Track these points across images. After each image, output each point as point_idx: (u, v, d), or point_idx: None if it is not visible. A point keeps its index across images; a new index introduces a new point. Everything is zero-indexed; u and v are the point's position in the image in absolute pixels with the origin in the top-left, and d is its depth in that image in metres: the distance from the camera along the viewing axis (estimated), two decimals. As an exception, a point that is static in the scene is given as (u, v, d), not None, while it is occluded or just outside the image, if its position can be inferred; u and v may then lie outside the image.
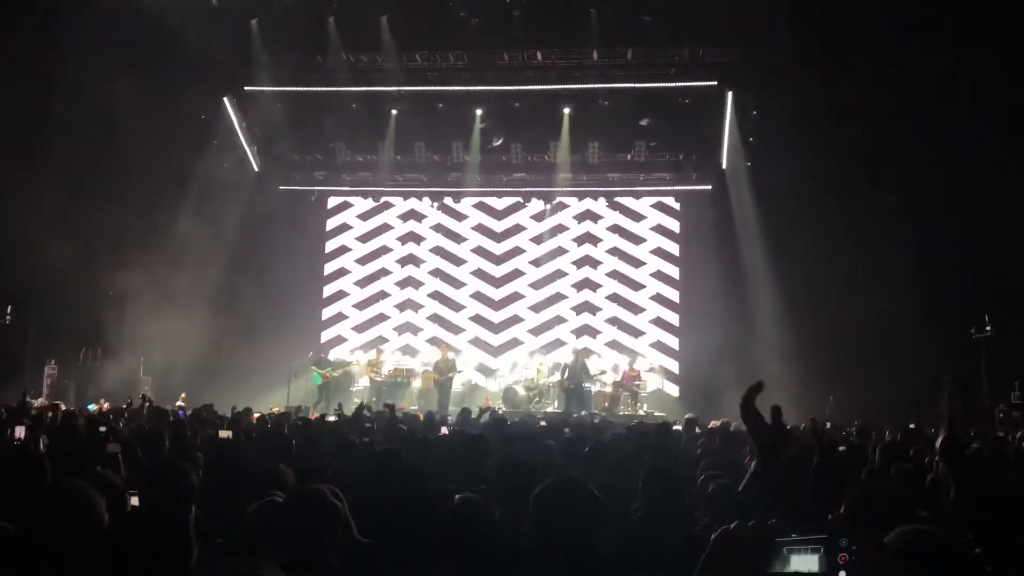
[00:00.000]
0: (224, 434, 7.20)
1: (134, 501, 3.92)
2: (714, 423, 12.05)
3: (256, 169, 21.25)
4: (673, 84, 19.10)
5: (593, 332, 21.16)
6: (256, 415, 12.50)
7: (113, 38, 15.23)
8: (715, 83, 18.87)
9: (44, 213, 15.20)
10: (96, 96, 15.47)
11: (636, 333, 21.02)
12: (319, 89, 19.83)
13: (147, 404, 12.09)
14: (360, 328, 21.95)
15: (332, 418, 11.25)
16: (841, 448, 6.68)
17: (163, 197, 17.84)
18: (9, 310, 15.70)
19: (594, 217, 21.72)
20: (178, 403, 14.48)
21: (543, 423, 11.70)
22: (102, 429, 7.38)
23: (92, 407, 13.75)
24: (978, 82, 14.67)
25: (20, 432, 7.17)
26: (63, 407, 12.64)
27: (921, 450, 5.82)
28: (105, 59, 15.32)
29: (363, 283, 22.17)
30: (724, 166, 20.14)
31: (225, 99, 19.86)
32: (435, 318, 21.70)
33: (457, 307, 21.71)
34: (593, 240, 21.65)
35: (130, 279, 17.35)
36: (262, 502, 3.92)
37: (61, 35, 15.24)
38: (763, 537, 1.50)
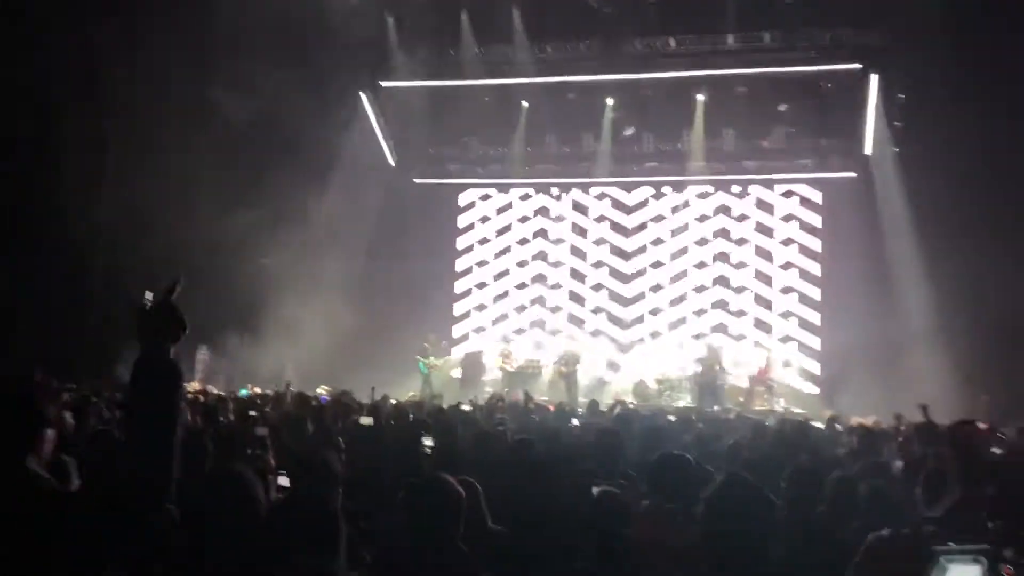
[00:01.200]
0: (365, 420, 7.42)
1: (283, 481, 4.11)
2: (857, 420, 11.59)
3: (392, 163, 21.80)
4: (813, 68, 18.40)
5: (726, 328, 20.58)
6: (393, 402, 12.86)
7: (261, 32, 15.96)
8: (859, 66, 18.06)
9: (198, 213, 16.06)
10: (248, 85, 16.23)
11: (773, 332, 20.27)
12: (452, 83, 20.16)
13: (291, 390, 12.60)
14: (490, 320, 22.18)
15: (467, 407, 11.44)
16: (997, 451, 6.28)
17: (305, 190, 18.51)
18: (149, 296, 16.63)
19: (729, 207, 21.12)
20: (319, 390, 15.03)
21: (671, 417, 11.51)
22: (252, 413, 7.73)
23: (244, 392, 14.45)
24: None
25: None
26: (215, 390, 13.37)
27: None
28: (255, 52, 16.05)
29: (493, 275, 22.38)
30: (869, 152, 19.23)
31: (362, 93, 20.44)
32: (565, 313, 21.68)
33: (587, 302, 21.60)
34: (728, 233, 21.02)
35: (276, 267, 18.13)
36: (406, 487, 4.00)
37: (216, 23, 16.07)
38: (919, 545, 1.42)
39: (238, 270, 16.94)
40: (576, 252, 21.91)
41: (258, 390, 14.77)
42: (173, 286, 2.66)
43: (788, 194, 20.75)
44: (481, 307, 22.31)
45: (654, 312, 21.14)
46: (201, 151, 15.99)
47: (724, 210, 21.12)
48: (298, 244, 18.35)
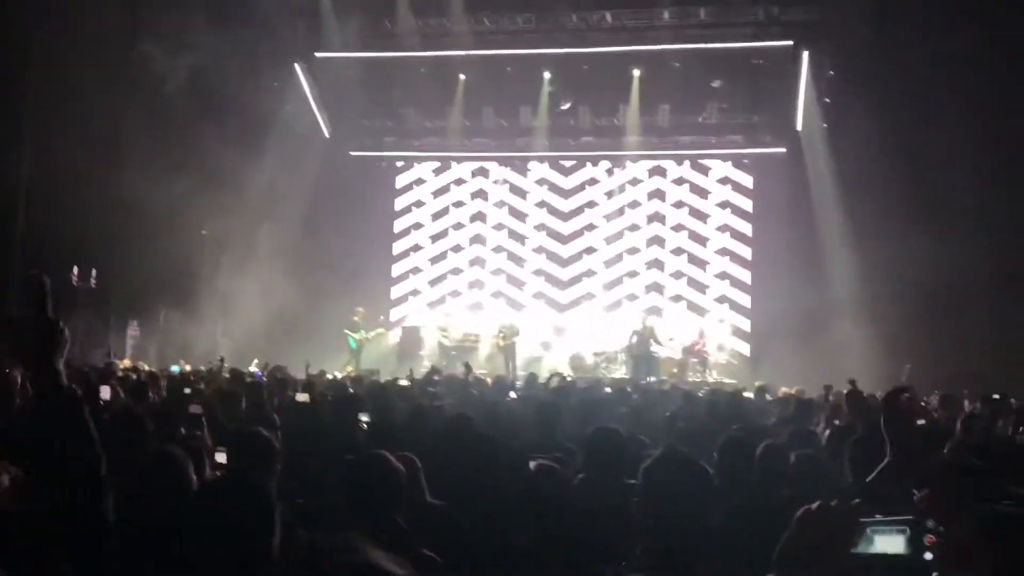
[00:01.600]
0: (301, 397, 7.36)
1: (220, 458, 4.06)
2: (784, 390, 11.90)
3: (327, 135, 21.49)
4: (747, 44, 18.65)
5: (663, 294, 20.97)
6: (329, 377, 12.78)
7: (191, 4, 15.54)
8: (790, 43, 18.37)
9: (127, 177, 15.62)
10: (178, 48, 15.79)
11: (707, 291, 20.76)
12: (388, 55, 19.91)
13: (224, 366, 12.43)
14: (428, 289, 22.16)
15: (404, 382, 11.42)
16: (921, 422, 6.50)
17: (239, 161, 18.15)
18: (94, 274, 16.26)
19: (664, 179, 21.42)
20: (253, 367, 14.84)
21: (608, 389, 11.68)
22: (186, 391, 7.60)
23: (175, 368, 14.19)
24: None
25: (105, 393, 7.39)
26: (146, 368, 13.10)
27: (1007, 422, 5.65)
28: (187, 14, 15.63)
29: (432, 247, 22.33)
30: (799, 128, 19.62)
31: (296, 65, 20.06)
32: (503, 277, 21.78)
33: (525, 266, 21.73)
34: (662, 199, 21.34)
35: (206, 245, 17.79)
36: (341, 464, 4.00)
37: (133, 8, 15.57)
38: (847, 518, 1.47)
39: (169, 240, 16.57)
40: (515, 214, 21.99)
41: (189, 367, 14.51)
42: (42, 292, 2.31)
43: (721, 169, 21.09)
44: (418, 271, 22.25)
45: (590, 273, 21.39)
46: (129, 112, 15.54)
47: (659, 182, 21.41)
48: (232, 215, 18.02)
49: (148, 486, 2.56)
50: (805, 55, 18.36)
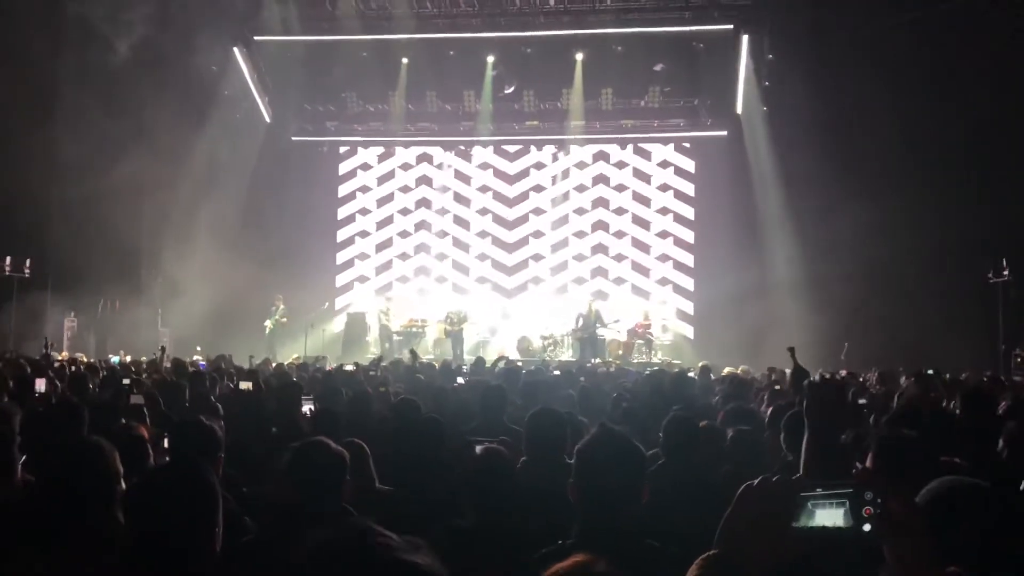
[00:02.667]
0: (244, 385, 7.27)
1: (166, 444, 4.00)
2: (729, 369, 12.10)
3: (268, 120, 21.14)
4: (687, 28, 18.79)
5: (607, 276, 21.15)
6: (274, 365, 12.64)
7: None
8: (730, 27, 18.57)
9: (60, 164, 15.20)
10: (108, 46, 15.38)
11: (651, 278, 21.00)
12: (329, 38, 19.63)
13: (166, 355, 12.21)
14: (374, 272, 22.00)
15: (350, 367, 11.35)
16: (862, 401, 6.66)
17: (175, 150, 17.77)
18: (28, 264, 15.81)
19: (608, 164, 21.57)
20: (195, 356, 14.60)
21: (556, 372, 11.74)
22: (126, 381, 7.44)
23: (115, 359, 13.89)
24: (1003, 16, 14.39)
25: (40, 385, 7.22)
26: (84, 359, 12.80)
27: (938, 396, 5.81)
28: (116, 9, 15.22)
29: (376, 232, 22.16)
30: (739, 111, 19.88)
31: (235, 49, 19.66)
32: (449, 262, 21.73)
33: (471, 251, 21.71)
34: (607, 186, 21.52)
35: (144, 231, 17.42)
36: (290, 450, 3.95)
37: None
38: (787, 492, 1.50)
39: (108, 229, 16.16)
40: (460, 199, 21.93)
41: (129, 357, 14.22)
42: None
43: (663, 152, 21.30)
44: (363, 256, 22.10)
45: (536, 257, 21.47)
46: (57, 119, 15.08)
47: (603, 163, 21.56)
48: (172, 203, 17.69)
49: (73, 477, 2.51)
50: (745, 39, 18.58)
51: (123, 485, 2.57)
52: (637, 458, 2.65)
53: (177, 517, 2.15)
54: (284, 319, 18.81)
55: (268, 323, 18.76)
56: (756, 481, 1.51)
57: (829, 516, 1.48)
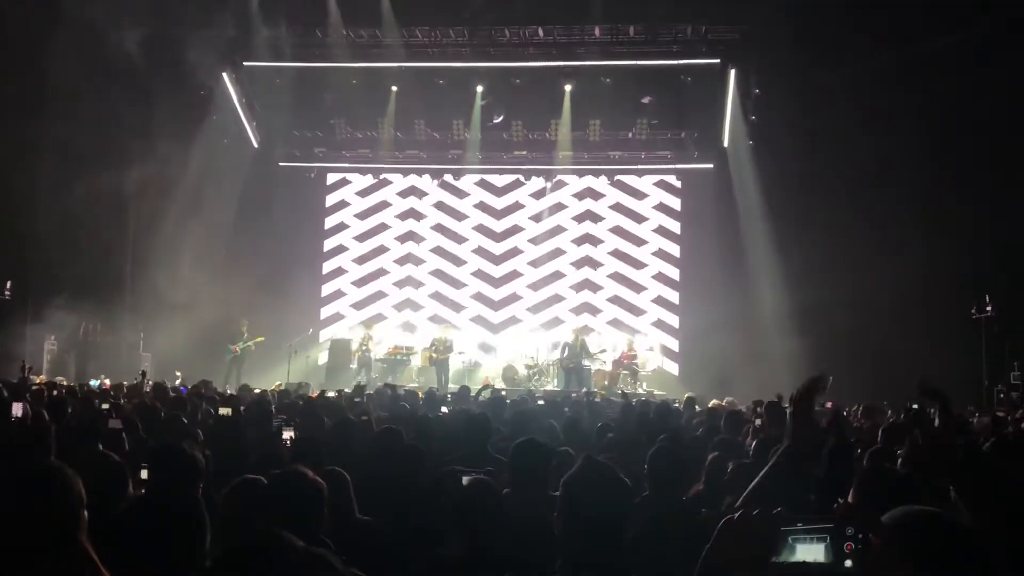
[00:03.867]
0: (224, 411, 7.18)
1: (144, 474, 3.92)
2: (715, 402, 12.07)
3: (255, 145, 21.14)
4: (675, 62, 18.97)
5: (593, 310, 21.14)
6: (256, 391, 12.53)
7: (113, 11, 15.13)
8: (717, 61, 18.78)
9: (42, 187, 15.13)
10: (94, 69, 15.36)
11: (636, 311, 21.00)
12: (319, 65, 19.71)
13: (147, 380, 12.09)
14: (359, 305, 21.92)
15: (332, 395, 11.27)
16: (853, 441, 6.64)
17: (161, 174, 17.72)
18: (9, 286, 15.67)
19: (595, 195, 21.64)
20: (178, 381, 14.46)
21: (541, 401, 11.71)
22: (105, 407, 7.34)
23: (95, 383, 13.74)
24: (984, 59, 14.62)
25: (17, 410, 7.11)
26: (64, 383, 12.66)
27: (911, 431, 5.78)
28: (105, 31, 15.22)
29: (363, 260, 22.10)
30: (726, 144, 20.04)
31: (224, 74, 19.71)
32: (435, 295, 21.66)
33: (457, 284, 21.66)
34: (594, 218, 21.57)
35: (128, 254, 17.32)
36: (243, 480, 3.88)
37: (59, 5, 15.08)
38: (768, 526, 1.48)
39: (91, 251, 16.06)
40: (445, 233, 21.90)
41: (109, 382, 14.07)
42: None
43: (651, 184, 21.41)
44: (348, 291, 22.01)
45: (523, 293, 21.44)
46: (46, 115, 15.01)
47: (590, 197, 21.63)
48: (157, 226, 17.60)
49: (32, 504, 2.42)
50: (732, 73, 18.78)
51: (86, 513, 2.49)
52: (623, 491, 2.63)
53: (164, 545, 2.10)
54: (251, 344, 18.28)
55: (236, 347, 18.22)
56: (736, 514, 1.50)
57: (810, 551, 1.46)
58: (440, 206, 22.03)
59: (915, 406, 8.47)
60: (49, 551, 2.31)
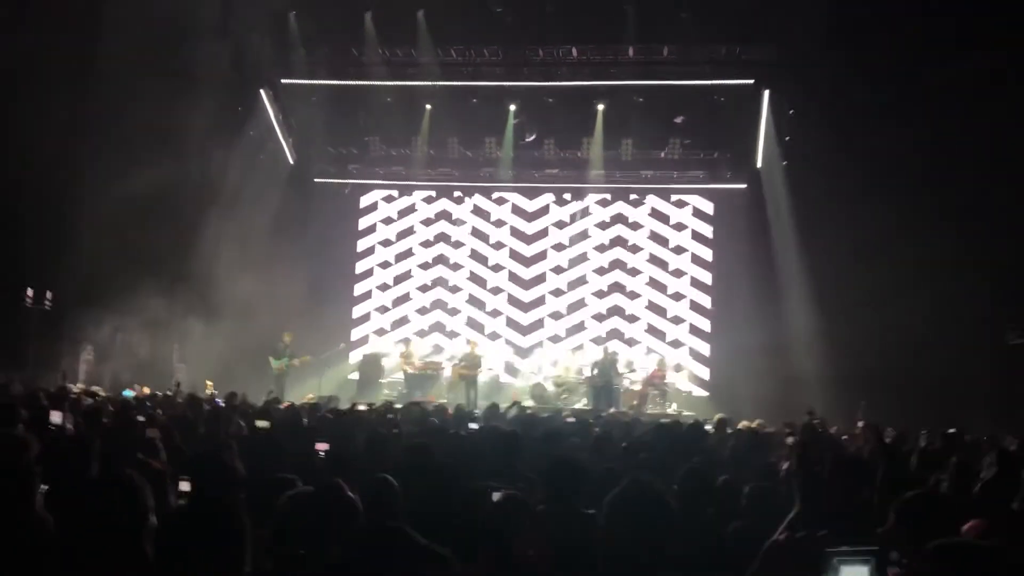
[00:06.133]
0: (261, 423, 7.26)
1: (184, 487, 3.98)
2: (745, 423, 11.98)
3: (291, 161, 21.42)
4: (709, 82, 18.97)
5: (622, 335, 21.03)
6: (286, 404, 12.63)
7: (150, 31, 15.44)
8: (751, 81, 18.75)
9: (82, 199, 15.40)
10: (133, 85, 15.65)
11: (666, 338, 20.87)
12: (355, 83, 19.96)
13: (180, 390, 12.24)
14: (390, 322, 22.03)
15: (363, 408, 11.34)
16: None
17: (198, 190, 18.00)
18: (49, 296, 15.96)
19: (626, 216, 21.61)
20: (209, 391, 14.61)
21: (571, 419, 11.68)
22: (140, 419, 7.45)
23: (129, 393, 13.93)
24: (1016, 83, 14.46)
25: (57, 418, 7.24)
26: (100, 392, 12.85)
27: (963, 457, 5.72)
28: (143, 52, 15.53)
29: (394, 277, 22.24)
30: (759, 165, 19.96)
31: (262, 91, 20.02)
32: (465, 315, 21.71)
33: (486, 306, 21.70)
34: (624, 241, 21.51)
35: (164, 267, 17.56)
36: (289, 494, 3.95)
37: (98, 26, 15.40)
38: (814, 548, 1.50)
39: (119, 276, 16.30)
40: (477, 255, 21.99)
41: (146, 390, 14.26)
42: None
43: (682, 204, 21.38)
44: (382, 309, 22.15)
45: (553, 316, 21.42)
46: (88, 136, 15.29)
47: (621, 218, 21.61)
48: (191, 240, 17.84)
49: (105, 510, 2.49)
50: (766, 94, 18.74)
51: (154, 519, 2.56)
52: (667, 511, 2.64)
53: (210, 553, 2.15)
54: (296, 361, 18.29)
55: (281, 363, 18.39)
56: (781, 537, 1.51)
57: (855, 573, 1.48)
58: (472, 229, 22.10)
59: (951, 430, 8.38)
60: (118, 555, 2.37)
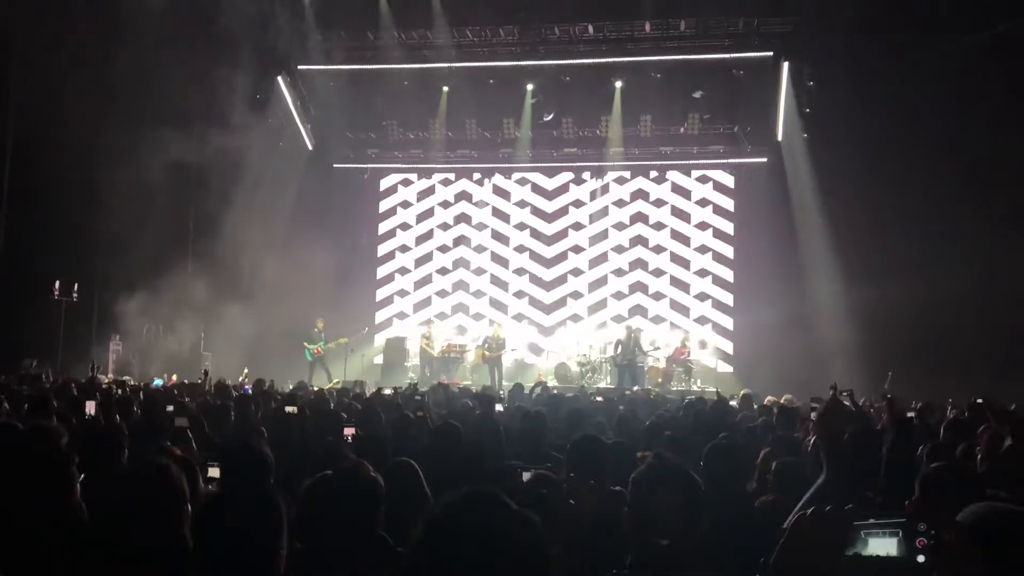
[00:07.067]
0: (290, 408, 7.33)
1: (213, 472, 4.04)
2: (771, 398, 11.94)
3: (310, 147, 21.48)
4: (727, 55, 18.80)
5: (645, 311, 21.02)
6: (314, 389, 12.74)
7: (169, 19, 15.50)
8: (770, 54, 18.54)
9: (105, 196, 15.52)
10: (155, 74, 15.73)
11: (690, 313, 20.83)
12: (371, 67, 19.95)
13: (209, 379, 12.36)
14: (413, 305, 22.13)
15: (388, 391, 11.41)
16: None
17: (219, 180, 18.09)
18: (76, 288, 16.15)
19: (646, 192, 21.54)
20: (241, 378, 14.76)
21: (599, 398, 11.70)
22: (169, 408, 7.54)
23: (159, 382, 14.10)
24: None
25: (91, 408, 7.34)
26: (130, 381, 13.01)
27: (988, 428, 5.68)
28: (163, 38, 15.59)
29: (416, 260, 22.33)
30: (780, 138, 19.78)
31: (279, 78, 20.06)
32: (487, 297, 21.76)
33: (509, 286, 21.74)
34: (645, 217, 21.46)
35: (189, 257, 17.72)
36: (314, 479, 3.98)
37: (118, 14, 15.47)
38: (841, 521, 1.50)
39: (153, 253, 16.47)
40: (497, 236, 22.02)
41: (175, 378, 14.44)
42: None
43: (703, 179, 21.26)
44: (403, 292, 22.25)
45: (575, 295, 21.41)
46: (110, 124, 15.39)
47: (642, 195, 21.53)
48: (215, 228, 17.97)
49: (146, 497, 2.54)
50: (785, 66, 18.54)
51: (189, 507, 2.61)
52: (693, 488, 2.65)
53: (246, 540, 2.19)
54: (332, 344, 18.71)
55: (317, 347, 18.67)
56: (809, 511, 1.52)
57: (883, 545, 1.48)
58: (492, 208, 22.12)
59: (979, 399, 8.30)
60: (158, 542, 2.41)
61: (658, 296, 21.07)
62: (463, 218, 22.25)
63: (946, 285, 14.73)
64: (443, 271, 22.15)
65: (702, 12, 18.21)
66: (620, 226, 21.56)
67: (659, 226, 21.34)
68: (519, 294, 21.67)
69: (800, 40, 17.96)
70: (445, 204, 22.40)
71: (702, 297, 20.88)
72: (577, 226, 21.75)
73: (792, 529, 1.54)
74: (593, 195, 21.74)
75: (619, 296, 21.27)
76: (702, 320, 20.72)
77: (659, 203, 21.43)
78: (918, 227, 15.70)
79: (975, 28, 14.74)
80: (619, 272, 21.39)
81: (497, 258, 21.93)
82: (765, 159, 20.37)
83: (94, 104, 15.12)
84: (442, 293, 22.03)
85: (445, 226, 22.31)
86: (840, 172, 17.23)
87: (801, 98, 18.78)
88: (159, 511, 2.50)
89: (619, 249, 21.49)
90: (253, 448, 3.76)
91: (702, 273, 20.97)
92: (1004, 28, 14.34)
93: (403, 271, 22.34)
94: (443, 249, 22.23)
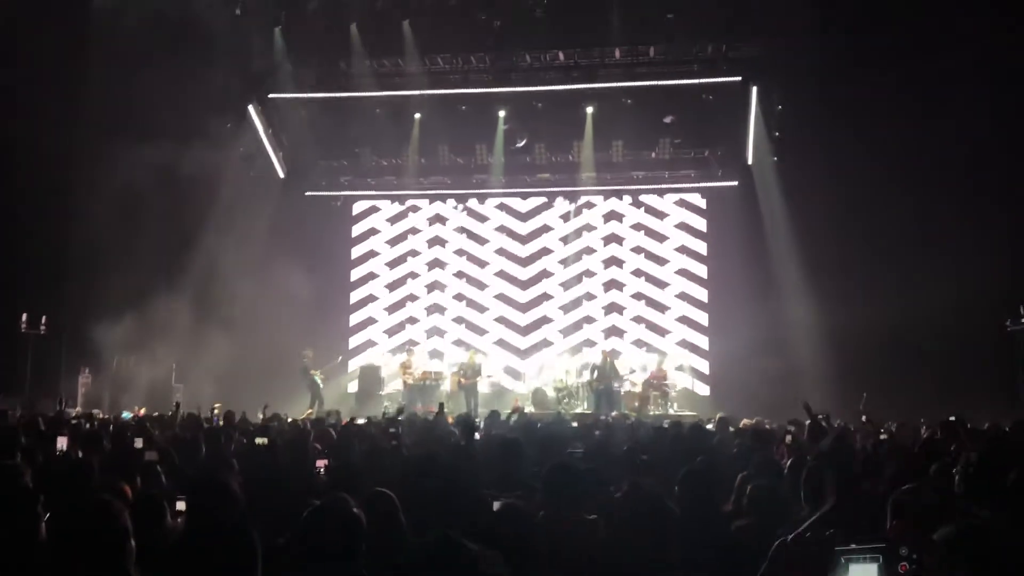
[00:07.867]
0: (260, 440, 7.23)
1: (180, 506, 3.95)
2: (746, 421, 11.97)
3: (282, 175, 21.39)
4: (697, 80, 18.97)
5: (621, 333, 21.04)
6: (289, 420, 12.58)
7: (138, 48, 15.44)
8: (739, 78, 18.74)
9: (74, 225, 15.38)
10: (123, 101, 15.64)
11: (664, 333, 20.88)
12: (343, 95, 19.95)
13: (180, 411, 12.18)
14: (388, 332, 21.99)
15: (361, 421, 11.29)
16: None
17: (190, 208, 17.96)
18: (44, 321, 15.91)
19: (619, 216, 21.63)
20: (214, 410, 14.57)
21: (575, 424, 11.66)
22: (139, 443, 7.40)
23: (127, 415, 13.87)
24: (1005, 74, 14.50)
25: (62, 443, 7.20)
26: (100, 415, 12.79)
27: (960, 446, 5.72)
28: (134, 64, 15.53)
29: (390, 287, 22.20)
30: (750, 162, 19.97)
31: (250, 107, 19.99)
32: (462, 321, 21.69)
33: (484, 310, 21.69)
34: (619, 240, 21.55)
35: (161, 289, 17.51)
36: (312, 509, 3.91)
37: (89, 42, 15.41)
38: (822, 547, 1.48)
39: (124, 284, 16.27)
40: (472, 260, 21.96)
41: (143, 411, 14.21)
42: None
43: (675, 203, 21.37)
44: (376, 319, 22.10)
45: (550, 319, 21.38)
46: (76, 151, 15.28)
47: (615, 217, 21.61)
48: (186, 257, 17.81)
49: (83, 534, 2.48)
50: (754, 90, 18.75)
51: (133, 543, 2.55)
52: (666, 516, 2.62)
53: (219, 573, 2.14)
54: (319, 377, 18.69)
55: (317, 375, 18.60)
56: (790, 537, 1.50)
57: (863, 571, 1.46)
58: (465, 232, 22.13)
59: (951, 418, 8.35)
60: None
61: (633, 319, 21.08)
62: (437, 241, 22.20)
63: (918, 305, 14.90)
64: (416, 295, 22.03)
65: (671, 38, 18.39)
66: (592, 250, 21.62)
67: (633, 249, 21.41)
68: (495, 319, 21.58)
69: (768, 64, 18.19)
70: (419, 229, 22.34)
71: (677, 317, 20.92)
72: (550, 251, 21.77)
73: (772, 555, 1.51)
74: (566, 218, 21.80)
75: (594, 318, 21.26)
76: (680, 342, 20.74)
77: (631, 227, 21.52)
78: (889, 248, 15.89)
79: (946, 49, 14.99)
80: (593, 294, 21.40)
81: (472, 281, 21.87)
82: (736, 182, 20.52)
83: (63, 132, 15.02)
84: (416, 317, 21.90)
85: (418, 250, 22.24)
86: (810, 194, 17.42)
87: (770, 122, 19.00)
88: (100, 547, 2.45)
89: (593, 271, 21.51)
90: (218, 481, 3.69)
91: (676, 294, 21.02)
92: (973, 50, 14.61)
93: (376, 296, 22.21)
94: (416, 273, 22.13)
